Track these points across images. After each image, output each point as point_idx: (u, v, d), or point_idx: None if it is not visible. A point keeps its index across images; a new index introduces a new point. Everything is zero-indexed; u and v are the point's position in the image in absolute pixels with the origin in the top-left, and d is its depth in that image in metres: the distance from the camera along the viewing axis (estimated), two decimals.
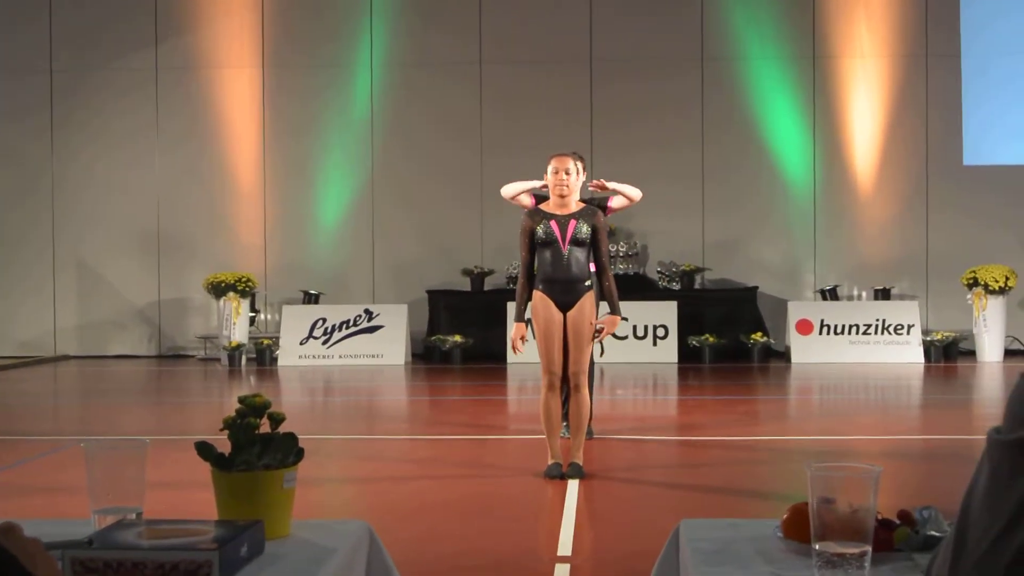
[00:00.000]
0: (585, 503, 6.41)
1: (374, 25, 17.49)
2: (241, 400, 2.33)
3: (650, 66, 17.09)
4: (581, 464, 7.07)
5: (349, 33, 17.54)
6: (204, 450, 2.31)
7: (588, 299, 7.02)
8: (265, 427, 2.35)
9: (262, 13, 17.55)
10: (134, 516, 2.25)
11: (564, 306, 6.99)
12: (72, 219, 17.63)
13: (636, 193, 8.58)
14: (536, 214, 7.06)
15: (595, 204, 8.33)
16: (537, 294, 7.05)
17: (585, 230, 6.98)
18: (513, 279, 16.58)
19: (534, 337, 7.12)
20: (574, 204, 7.11)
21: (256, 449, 2.30)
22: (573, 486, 6.77)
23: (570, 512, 6.10)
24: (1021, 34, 16.85)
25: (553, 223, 7.00)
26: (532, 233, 7.02)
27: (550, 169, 7.12)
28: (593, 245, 7.03)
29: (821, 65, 17.10)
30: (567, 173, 7.05)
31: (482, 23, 17.32)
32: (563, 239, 6.97)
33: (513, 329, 7.10)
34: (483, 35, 17.34)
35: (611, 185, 8.53)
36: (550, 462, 7.09)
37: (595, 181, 8.49)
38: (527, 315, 7.03)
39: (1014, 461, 1.16)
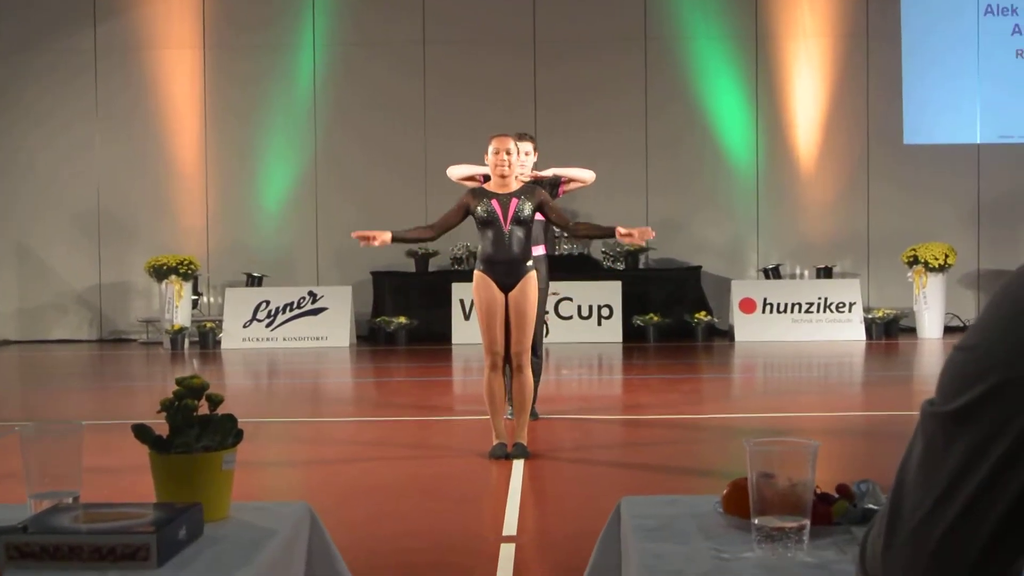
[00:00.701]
0: (530, 483, 6.42)
1: (316, 5, 17.36)
2: (179, 382, 2.31)
3: (593, 46, 17.11)
4: (526, 444, 7.08)
5: (291, 13, 17.41)
6: (142, 433, 2.29)
7: (530, 279, 7.01)
8: (204, 409, 2.33)
9: None
10: (71, 500, 2.23)
11: (506, 287, 6.99)
12: (11, 203, 17.40)
13: (589, 175, 8.59)
14: (478, 193, 7.05)
15: (547, 185, 8.33)
16: (478, 274, 7.04)
17: (528, 209, 6.97)
18: (457, 259, 16.59)
19: (477, 317, 7.12)
20: (514, 183, 7.10)
21: (194, 431, 2.28)
22: (518, 466, 6.78)
23: (515, 492, 6.10)
24: (959, 15, 17.02)
25: (495, 202, 6.99)
26: (466, 210, 7.03)
27: (491, 149, 7.09)
28: (547, 216, 7.08)
29: (764, 44, 17.19)
30: (508, 153, 7.03)
31: (425, 3, 17.25)
32: (504, 218, 6.96)
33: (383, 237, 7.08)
34: (426, 15, 17.27)
35: (561, 171, 8.51)
36: (495, 442, 7.09)
37: (532, 173, 8.31)
38: (403, 240, 7.19)
39: (947, 432, 1.17)
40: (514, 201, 6.99)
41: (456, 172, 8.40)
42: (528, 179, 8.05)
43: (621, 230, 6.74)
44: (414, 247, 16.45)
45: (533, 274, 7.05)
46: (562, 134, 16.32)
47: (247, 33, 17.36)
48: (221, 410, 2.35)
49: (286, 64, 17.43)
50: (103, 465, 6.27)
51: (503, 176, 7.03)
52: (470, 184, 8.04)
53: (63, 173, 17.34)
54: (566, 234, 7.55)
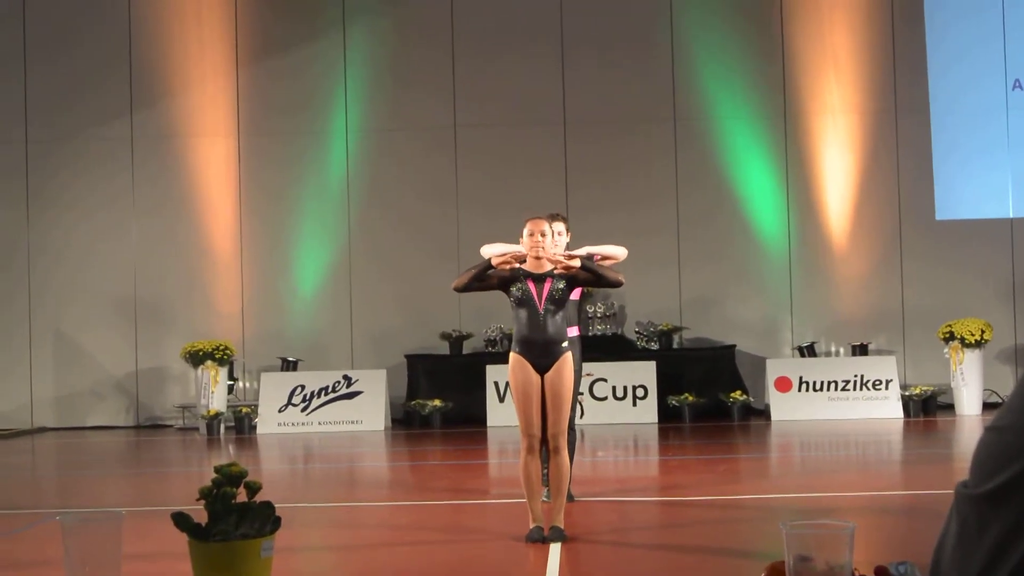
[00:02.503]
0: (567, 567, 6.37)
1: (348, 91, 17.59)
2: (217, 469, 2.33)
3: (623, 125, 17.24)
4: (562, 527, 7.03)
5: (324, 100, 17.65)
6: (181, 520, 2.31)
7: (566, 360, 7.02)
8: (242, 496, 2.35)
9: (236, 81, 17.64)
10: None
11: (541, 368, 6.99)
12: (48, 289, 17.58)
13: (622, 252, 8.55)
14: (515, 272, 7.09)
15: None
16: (514, 356, 7.04)
17: (561, 287, 7.00)
18: (491, 342, 16.61)
19: (512, 399, 7.11)
20: (549, 264, 7.13)
21: (233, 519, 2.29)
22: (555, 550, 6.73)
23: None
24: (987, 89, 17.05)
25: (530, 282, 7.03)
26: (505, 281, 7.05)
27: (525, 232, 7.15)
28: (575, 280, 7.06)
29: (792, 122, 17.26)
30: (542, 235, 7.09)
31: (455, 86, 17.44)
32: (539, 299, 6.98)
33: (496, 260, 7.09)
34: (456, 98, 17.45)
35: (594, 250, 8.46)
36: (531, 526, 7.05)
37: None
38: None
39: (981, 515, 1.17)
40: (548, 281, 7.03)
41: (490, 251, 8.43)
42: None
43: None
44: (448, 330, 16.54)
45: (569, 355, 7.06)
46: (594, 211, 16.36)
47: (281, 119, 17.58)
48: (258, 497, 2.37)
49: (319, 149, 17.63)
50: (142, 552, 6.27)
51: (538, 257, 7.08)
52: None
53: (99, 259, 17.53)
54: (608, 285, 7.31)
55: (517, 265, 7.14)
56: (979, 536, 1.18)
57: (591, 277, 7.13)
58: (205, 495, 2.28)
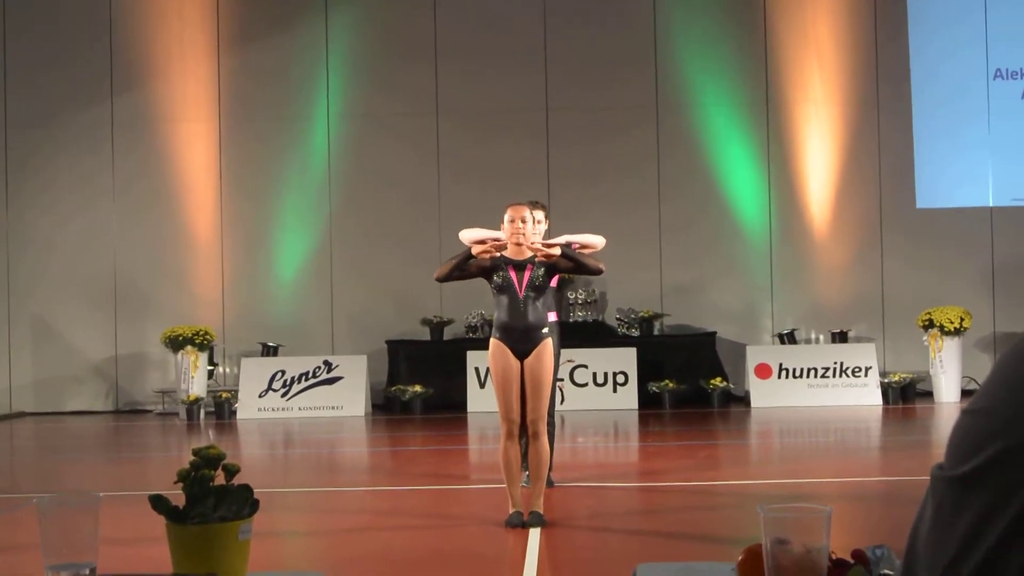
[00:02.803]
0: (546, 551, 6.39)
1: (331, 76, 17.55)
2: (195, 452, 2.32)
3: (605, 113, 17.21)
4: (542, 512, 7.05)
5: (306, 84, 17.59)
6: (158, 503, 2.30)
7: (546, 346, 7.04)
8: (220, 479, 2.34)
9: (218, 65, 17.57)
10: (87, 572, 2.23)
11: (521, 354, 7.00)
12: (27, 273, 17.51)
13: (600, 241, 8.52)
14: (496, 260, 7.08)
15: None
16: (494, 342, 7.06)
17: (541, 274, 7.02)
18: (472, 328, 16.62)
19: (493, 385, 7.11)
20: (529, 251, 7.13)
21: (211, 501, 2.29)
22: (534, 535, 6.75)
23: (531, 560, 6.08)
24: (969, 78, 17.12)
25: (510, 269, 7.04)
26: (486, 269, 7.05)
27: (506, 218, 7.16)
28: (555, 267, 7.07)
29: (774, 110, 17.28)
30: (523, 221, 7.10)
31: (438, 72, 17.40)
32: (519, 285, 6.99)
33: (476, 249, 7.09)
34: (440, 85, 17.41)
35: (572, 238, 8.41)
36: (511, 511, 7.07)
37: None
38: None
39: (956, 496, 1.18)
40: (529, 268, 7.04)
41: (469, 235, 8.40)
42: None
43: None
44: (429, 316, 16.57)
45: (548, 341, 7.08)
46: (576, 187, 16.38)
47: (262, 104, 17.52)
48: (237, 480, 2.37)
49: (301, 133, 17.58)
50: (119, 536, 6.26)
51: (519, 244, 7.09)
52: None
53: (78, 243, 17.46)
54: (589, 272, 7.26)
55: (498, 254, 7.14)
56: (954, 519, 1.19)
57: (571, 265, 7.14)
58: (183, 477, 2.27)
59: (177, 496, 2.32)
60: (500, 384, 7.00)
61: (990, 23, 17.14)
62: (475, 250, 7.08)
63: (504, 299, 7.03)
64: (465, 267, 7.10)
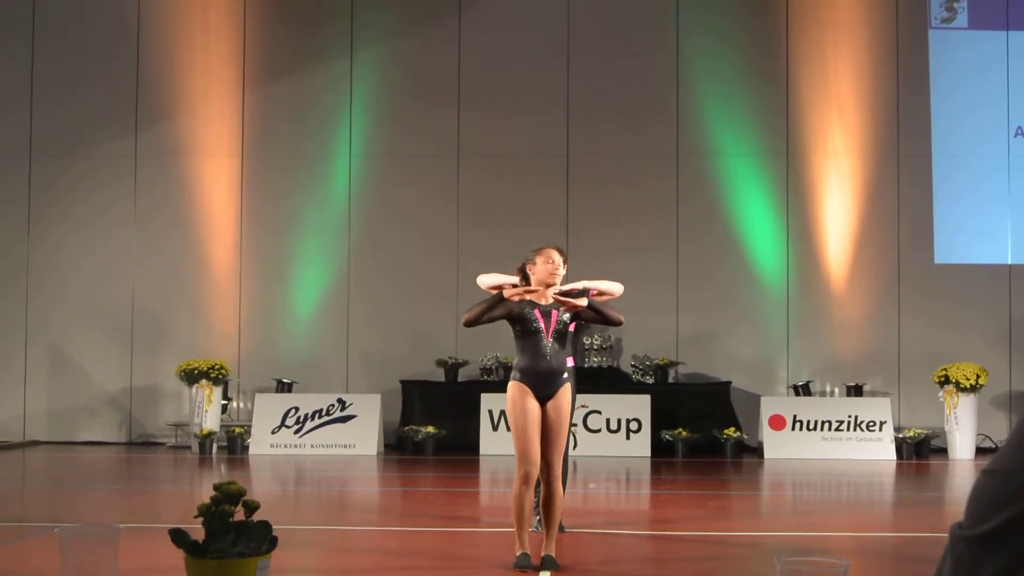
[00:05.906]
0: None
1: (353, 116, 17.64)
2: (216, 487, 2.34)
3: (627, 162, 17.26)
4: (555, 556, 7.03)
5: (328, 122, 17.68)
6: (178, 537, 2.32)
7: (565, 391, 7.05)
8: (239, 515, 2.36)
9: (242, 101, 17.69)
10: None
11: (543, 398, 7.00)
12: (46, 302, 17.57)
13: (617, 288, 8.44)
14: (522, 303, 7.09)
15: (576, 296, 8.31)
16: (515, 384, 7.04)
17: (565, 319, 7.05)
18: (487, 370, 16.60)
19: (512, 427, 7.07)
20: (551, 296, 7.15)
21: (230, 537, 2.30)
22: None
23: None
24: (991, 135, 17.13)
25: (537, 312, 7.05)
26: (512, 313, 7.05)
27: (539, 260, 7.16)
28: (578, 315, 7.09)
29: (795, 161, 17.31)
30: (555, 264, 7.14)
31: (460, 115, 17.48)
32: (547, 330, 7.01)
33: (507, 288, 7.14)
34: (461, 125, 17.49)
35: (591, 284, 8.34)
36: (518, 552, 7.04)
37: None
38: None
39: (974, 556, 1.19)
40: (555, 313, 7.05)
41: (488, 281, 8.39)
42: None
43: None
44: (444, 357, 16.57)
45: (568, 386, 7.09)
46: (596, 236, 16.42)
47: (285, 141, 17.61)
48: (256, 517, 2.38)
49: (322, 171, 17.65)
50: (135, 568, 6.25)
51: (549, 286, 7.12)
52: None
53: (97, 274, 17.52)
54: (610, 323, 7.32)
55: (528, 297, 7.15)
56: None
57: (596, 316, 7.18)
58: (203, 512, 2.29)
59: (195, 531, 2.34)
60: (521, 427, 6.97)
61: (1012, 82, 17.17)
62: (507, 292, 7.10)
63: (529, 343, 7.03)
64: (494, 310, 7.12)
